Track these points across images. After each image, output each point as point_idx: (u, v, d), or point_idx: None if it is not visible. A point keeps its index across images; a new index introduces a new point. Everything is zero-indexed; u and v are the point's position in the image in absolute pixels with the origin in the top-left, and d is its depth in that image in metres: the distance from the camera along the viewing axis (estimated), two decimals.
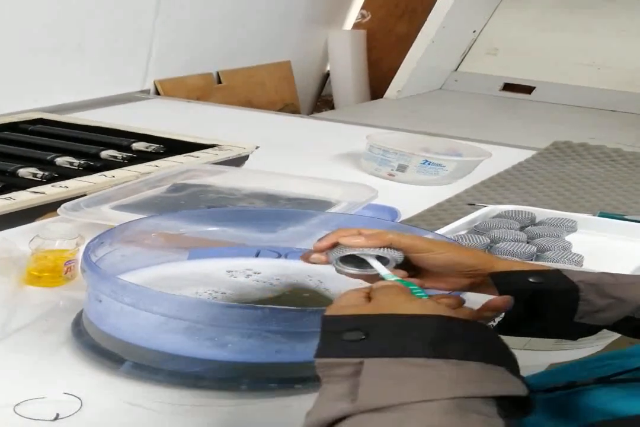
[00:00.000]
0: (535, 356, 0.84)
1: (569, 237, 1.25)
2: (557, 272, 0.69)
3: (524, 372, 0.85)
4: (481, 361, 0.49)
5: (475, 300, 0.75)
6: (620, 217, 1.35)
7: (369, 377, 0.48)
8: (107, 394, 0.74)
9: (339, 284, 0.86)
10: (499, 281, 0.68)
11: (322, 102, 3.25)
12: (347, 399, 0.47)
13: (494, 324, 0.70)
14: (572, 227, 1.29)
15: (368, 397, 0.47)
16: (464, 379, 0.47)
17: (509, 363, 0.51)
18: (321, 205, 1.22)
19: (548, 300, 0.67)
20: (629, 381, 0.55)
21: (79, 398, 0.72)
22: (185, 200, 1.23)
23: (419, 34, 2.84)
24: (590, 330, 0.69)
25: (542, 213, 1.33)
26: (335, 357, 0.51)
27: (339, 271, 0.71)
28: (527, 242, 1.19)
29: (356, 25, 3.22)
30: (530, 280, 0.67)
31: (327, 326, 0.54)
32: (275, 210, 1.14)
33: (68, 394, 0.73)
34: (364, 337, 0.51)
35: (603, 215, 1.37)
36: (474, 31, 3.04)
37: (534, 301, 0.67)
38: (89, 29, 2.12)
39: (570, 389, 0.57)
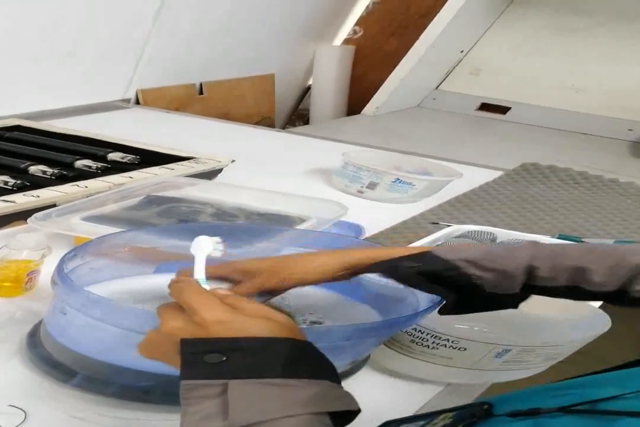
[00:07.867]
0: (480, 375, 0.87)
1: None
2: (429, 253, 0.73)
3: (470, 391, 0.88)
4: (327, 379, 0.55)
5: None
6: (578, 240, 1.39)
7: (235, 397, 0.52)
8: (53, 407, 0.74)
9: (300, 301, 0.89)
10: (381, 270, 0.75)
11: (296, 116, 3.25)
12: (218, 418, 0.52)
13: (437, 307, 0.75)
14: None
15: (239, 415, 0.52)
16: (317, 397, 0.53)
17: (336, 376, 0.57)
18: (291, 220, 1.24)
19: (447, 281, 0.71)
20: (588, 413, 0.55)
21: (23, 411, 0.72)
22: (157, 213, 1.24)
23: (409, 52, 2.81)
24: (522, 296, 0.73)
25: (503, 234, 1.36)
26: (201, 379, 0.54)
27: None
28: None
29: (346, 41, 3.23)
30: (407, 265, 0.72)
31: (187, 348, 0.56)
32: (249, 227, 1.15)
33: (13, 406, 0.72)
34: (224, 359, 0.54)
35: (562, 237, 1.41)
36: (462, 51, 3.05)
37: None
38: (83, 37, 2.12)
39: (534, 415, 0.58)
